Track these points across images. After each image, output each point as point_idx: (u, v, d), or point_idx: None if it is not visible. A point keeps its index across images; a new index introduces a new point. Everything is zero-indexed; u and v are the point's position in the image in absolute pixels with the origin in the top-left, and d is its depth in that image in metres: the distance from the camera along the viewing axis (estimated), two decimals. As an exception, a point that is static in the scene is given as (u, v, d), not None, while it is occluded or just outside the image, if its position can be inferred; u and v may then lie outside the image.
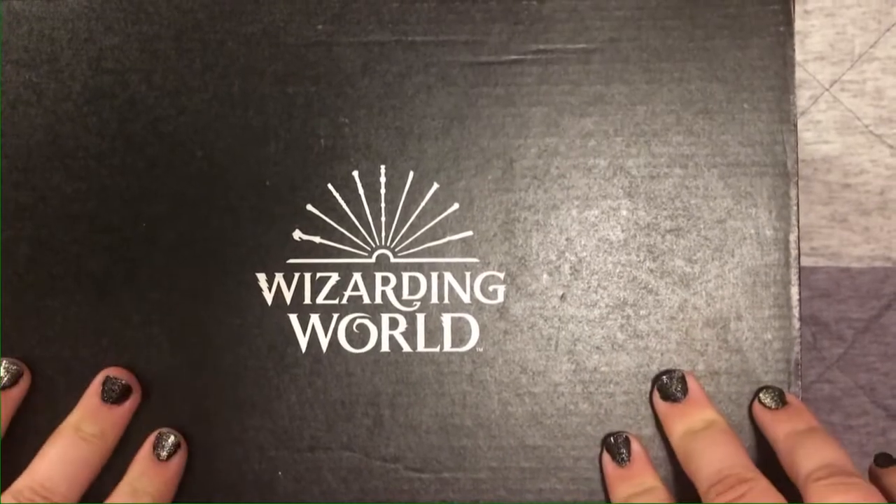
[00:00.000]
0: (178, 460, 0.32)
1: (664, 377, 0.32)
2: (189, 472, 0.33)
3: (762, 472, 0.29)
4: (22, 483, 0.30)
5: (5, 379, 0.32)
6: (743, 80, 0.33)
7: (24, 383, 0.32)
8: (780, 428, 0.31)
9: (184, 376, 0.33)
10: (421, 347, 0.33)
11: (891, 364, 0.44)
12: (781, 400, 0.32)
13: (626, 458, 0.32)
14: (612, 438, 0.32)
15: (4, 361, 0.32)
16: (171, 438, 0.32)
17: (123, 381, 0.32)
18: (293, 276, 0.33)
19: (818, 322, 0.44)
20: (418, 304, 0.33)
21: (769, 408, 0.32)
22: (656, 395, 0.33)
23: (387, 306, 0.33)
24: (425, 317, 0.33)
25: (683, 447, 0.31)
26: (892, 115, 0.44)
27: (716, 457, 0.30)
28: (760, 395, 0.32)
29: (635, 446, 0.32)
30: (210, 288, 0.33)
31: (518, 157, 0.34)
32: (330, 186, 0.33)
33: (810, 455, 0.29)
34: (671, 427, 0.32)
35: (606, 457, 0.32)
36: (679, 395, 0.32)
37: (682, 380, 0.32)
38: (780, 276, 0.33)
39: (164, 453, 0.32)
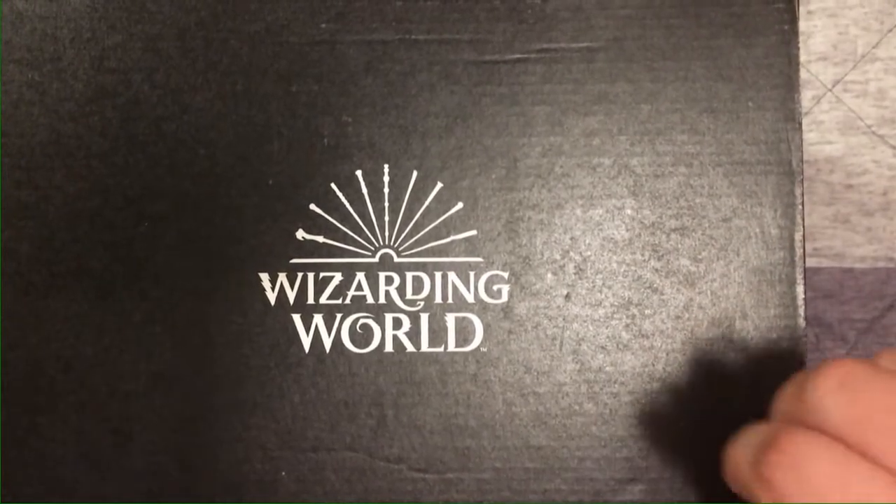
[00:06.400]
0: None
1: None
2: (191, 471, 0.33)
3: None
4: None
5: None
6: (748, 79, 0.33)
7: None
8: None
9: (185, 376, 0.33)
10: (425, 347, 0.33)
11: (894, 365, 0.44)
12: None
13: None
14: None
15: None
16: None
17: None
18: (296, 276, 0.33)
19: (821, 323, 0.44)
20: (422, 303, 0.33)
21: None
22: None
23: (390, 306, 0.33)
24: (429, 317, 0.33)
25: None
26: (895, 116, 0.44)
27: None
28: None
29: None
30: (212, 287, 0.33)
31: (522, 155, 0.33)
32: (333, 185, 0.33)
33: None
34: None
35: None
36: None
37: None
38: (785, 275, 0.33)
39: None
